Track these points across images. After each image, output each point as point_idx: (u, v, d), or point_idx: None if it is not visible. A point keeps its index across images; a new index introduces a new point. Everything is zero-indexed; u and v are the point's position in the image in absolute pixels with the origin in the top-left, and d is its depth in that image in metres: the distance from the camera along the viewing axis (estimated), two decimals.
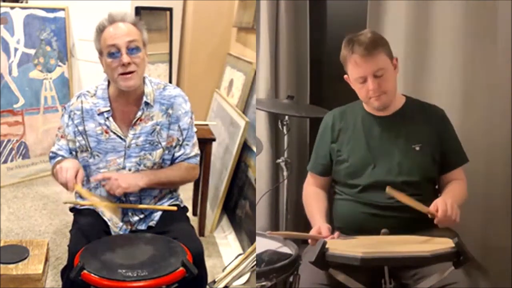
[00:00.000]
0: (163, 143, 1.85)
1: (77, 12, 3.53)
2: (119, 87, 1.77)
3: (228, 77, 3.31)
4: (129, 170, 1.83)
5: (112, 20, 1.75)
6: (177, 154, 1.88)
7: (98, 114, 1.81)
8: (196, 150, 1.94)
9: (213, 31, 3.52)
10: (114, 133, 1.81)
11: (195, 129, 1.94)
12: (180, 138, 1.87)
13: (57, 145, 1.87)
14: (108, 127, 1.81)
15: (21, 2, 3.78)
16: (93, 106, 1.82)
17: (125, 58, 1.71)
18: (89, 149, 1.82)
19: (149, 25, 3.33)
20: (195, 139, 1.94)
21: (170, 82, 3.54)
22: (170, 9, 3.45)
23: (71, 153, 1.85)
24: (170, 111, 1.84)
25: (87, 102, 1.83)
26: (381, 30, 2.33)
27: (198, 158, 1.96)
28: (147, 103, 1.81)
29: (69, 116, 1.84)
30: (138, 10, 3.25)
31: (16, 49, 3.33)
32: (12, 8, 3.32)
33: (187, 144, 1.89)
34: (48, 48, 3.48)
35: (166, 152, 1.86)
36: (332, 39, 2.63)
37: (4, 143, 3.34)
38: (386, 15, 2.35)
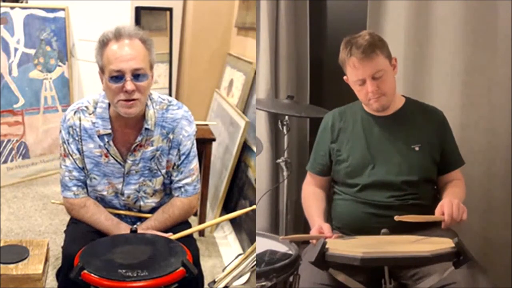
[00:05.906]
0: (163, 171, 1.77)
1: (77, 12, 3.52)
2: (118, 112, 1.63)
3: (228, 77, 3.31)
4: (128, 197, 1.78)
5: (118, 35, 1.57)
6: (172, 179, 1.79)
7: (98, 136, 1.69)
8: (194, 177, 1.80)
9: (213, 31, 3.52)
10: (113, 157, 1.72)
11: (195, 152, 1.81)
12: (177, 163, 1.77)
13: (63, 166, 1.73)
14: (108, 151, 1.70)
15: (21, 2, 3.78)
16: (92, 126, 1.69)
17: (129, 86, 1.55)
18: (85, 171, 1.74)
19: (149, 25, 3.33)
20: (193, 165, 1.79)
21: (170, 82, 3.54)
22: (170, 9, 3.44)
23: (80, 171, 1.73)
24: (170, 136, 1.73)
25: (86, 120, 1.69)
26: (381, 30, 2.33)
27: (197, 186, 1.81)
28: (147, 128, 1.69)
29: (68, 132, 1.70)
30: (138, 10, 3.25)
31: (16, 49, 3.33)
32: (12, 8, 3.31)
33: (182, 171, 1.77)
34: (48, 48, 3.48)
35: (167, 176, 1.79)
36: (332, 39, 2.63)
37: (4, 143, 3.34)
38: (386, 15, 2.35)
